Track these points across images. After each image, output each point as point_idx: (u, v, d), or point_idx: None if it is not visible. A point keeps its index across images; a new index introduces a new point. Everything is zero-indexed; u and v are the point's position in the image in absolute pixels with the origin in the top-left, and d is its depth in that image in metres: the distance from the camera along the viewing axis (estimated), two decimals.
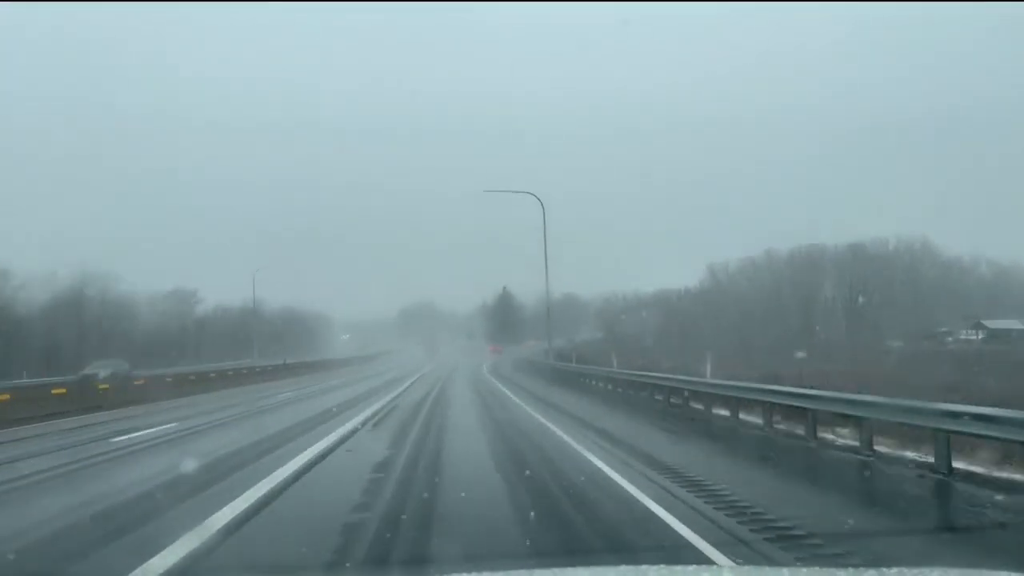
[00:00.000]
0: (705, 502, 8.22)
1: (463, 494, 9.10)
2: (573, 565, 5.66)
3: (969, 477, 9.57)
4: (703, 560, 5.79)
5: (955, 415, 9.69)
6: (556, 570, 3.51)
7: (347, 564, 6.06)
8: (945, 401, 10.83)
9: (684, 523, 7.17)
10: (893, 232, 68.67)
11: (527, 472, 10.52)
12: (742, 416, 16.41)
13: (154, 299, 59.85)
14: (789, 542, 6.41)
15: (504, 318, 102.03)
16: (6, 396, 22.92)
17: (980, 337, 58.87)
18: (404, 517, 7.67)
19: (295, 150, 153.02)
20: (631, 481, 9.49)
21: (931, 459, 10.18)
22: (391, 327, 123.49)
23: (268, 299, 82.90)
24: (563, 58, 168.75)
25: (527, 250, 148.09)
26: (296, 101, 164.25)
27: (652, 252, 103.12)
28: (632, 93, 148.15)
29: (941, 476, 9.60)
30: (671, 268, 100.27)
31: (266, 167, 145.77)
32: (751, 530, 6.91)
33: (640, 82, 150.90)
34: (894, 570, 2.54)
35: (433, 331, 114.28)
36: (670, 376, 23.19)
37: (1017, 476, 9.59)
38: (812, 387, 15.39)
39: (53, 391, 25.66)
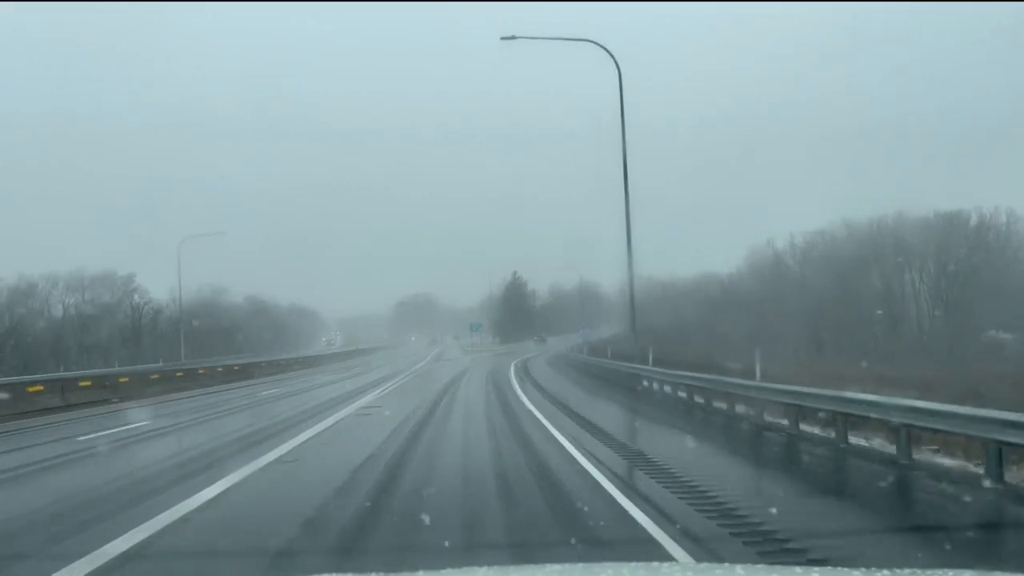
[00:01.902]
0: None
1: None
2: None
3: None
4: None
5: None
6: (557, 566, 3.15)
7: None
8: None
9: None
10: (974, 205, 56.51)
11: None
12: None
13: (73, 284, 48.60)
14: None
15: (514, 308, 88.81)
16: None
17: None
18: None
19: (284, 148, 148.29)
20: None
21: None
22: (387, 322, 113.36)
23: (250, 293, 72.01)
24: (568, 55, 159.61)
25: (533, 238, 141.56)
26: (286, 100, 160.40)
27: (690, 232, 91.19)
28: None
29: None
30: (715, 248, 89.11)
31: (255, 165, 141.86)
32: None
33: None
34: (907, 571, 2.48)
35: (432, 325, 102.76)
36: None
37: None
38: None
39: None
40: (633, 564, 2.82)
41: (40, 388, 24.12)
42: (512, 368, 42.14)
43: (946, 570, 2.62)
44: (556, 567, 3.08)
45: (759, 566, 4.31)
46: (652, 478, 10.04)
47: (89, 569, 6.34)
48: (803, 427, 14.26)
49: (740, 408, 16.98)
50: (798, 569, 3.00)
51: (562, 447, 13.01)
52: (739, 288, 64.14)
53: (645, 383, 25.48)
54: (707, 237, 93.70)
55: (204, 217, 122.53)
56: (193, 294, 63.92)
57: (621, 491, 9.10)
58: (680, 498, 8.64)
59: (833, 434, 12.90)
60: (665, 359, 37.58)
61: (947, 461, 10.87)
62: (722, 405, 17.99)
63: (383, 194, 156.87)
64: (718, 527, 7.28)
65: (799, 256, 56.90)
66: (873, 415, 11.81)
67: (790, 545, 6.56)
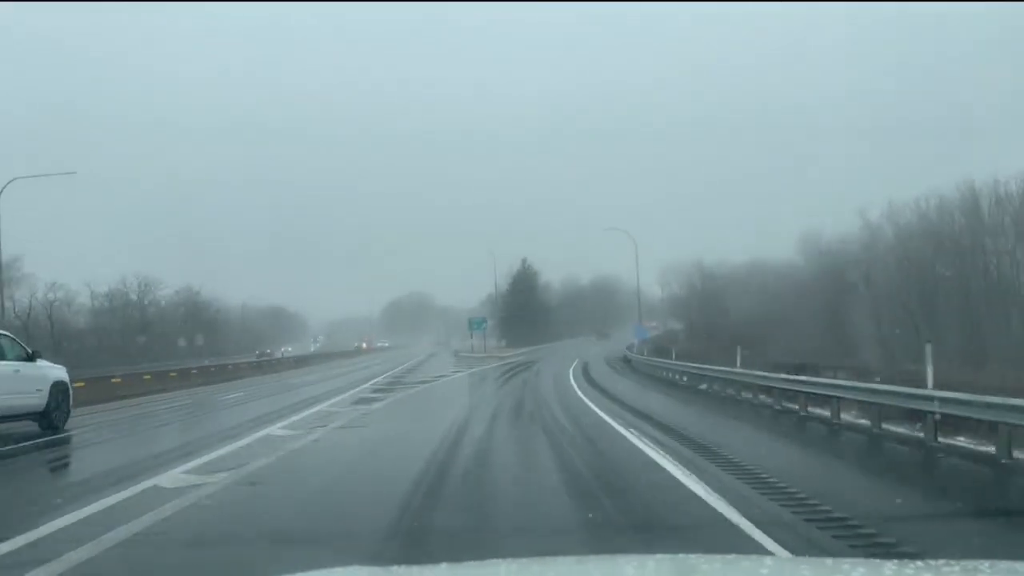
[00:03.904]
0: None
1: None
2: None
3: None
4: None
5: None
6: (606, 556, 3.35)
7: None
8: None
9: None
10: None
11: None
12: None
13: None
14: None
15: (524, 304, 74.74)
16: None
17: None
18: None
19: (272, 147, 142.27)
20: None
21: None
22: (377, 324, 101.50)
23: (183, 287, 59.97)
24: (572, 52, 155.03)
25: (540, 234, 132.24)
26: (276, 100, 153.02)
27: (726, 218, 79.76)
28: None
29: None
30: (754, 233, 77.86)
31: (241, 165, 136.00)
32: None
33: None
34: (941, 561, 2.40)
35: (429, 326, 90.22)
36: None
37: None
38: None
39: None
40: (659, 556, 2.86)
41: None
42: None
43: (981, 560, 2.41)
44: (572, 559, 3.12)
45: (786, 559, 4.63)
46: None
47: None
48: None
49: None
50: (829, 561, 3.08)
51: None
52: (806, 275, 52.32)
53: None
54: (750, 223, 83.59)
55: (194, 215, 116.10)
56: (114, 286, 52.20)
57: None
58: None
59: None
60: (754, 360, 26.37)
61: None
62: None
63: (379, 191, 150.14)
64: None
65: (899, 231, 44.13)
66: None
67: None
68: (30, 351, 15.80)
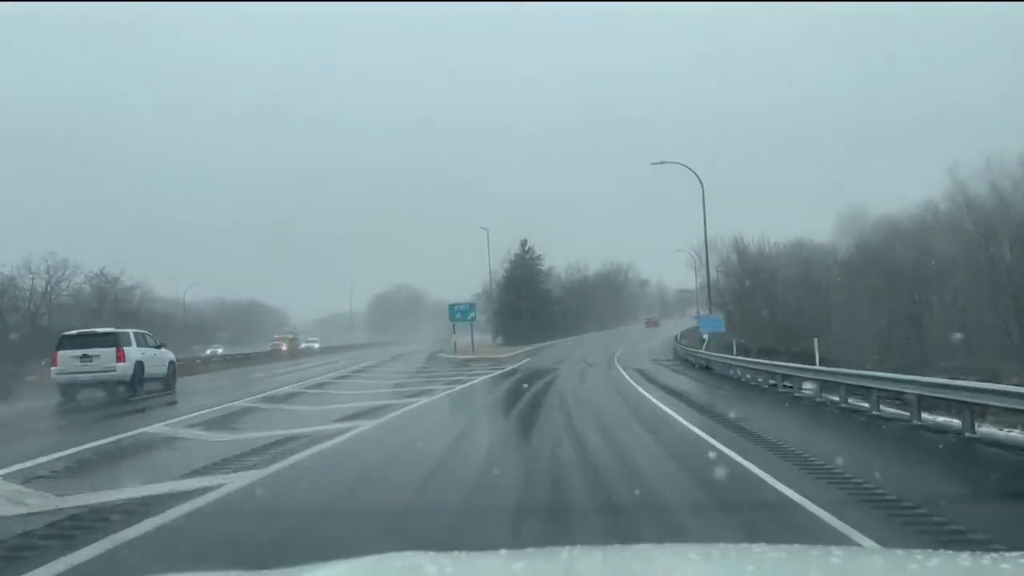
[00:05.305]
0: None
1: None
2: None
3: None
4: None
5: None
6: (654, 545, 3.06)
7: None
8: None
9: None
10: None
11: None
12: None
13: None
14: None
15: (524, 292, 65.29)
16: None
17: None
18: None
19: (263, 142, 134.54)
20: None
21: None
22: (362, 321, 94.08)
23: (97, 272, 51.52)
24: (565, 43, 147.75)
25: (548, 214, 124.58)
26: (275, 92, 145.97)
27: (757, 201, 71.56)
28: None
29: None
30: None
31: (232, 159, 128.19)
32: None
33: None
34: (1016, 552, 2.40)
35: (419, 322, 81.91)
36: None
37: None
38: None
39: None
40: (722, 545, 2.82)
41: None
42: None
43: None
44: (636, 546, 2.98)
45: (858, 548, 4.67)
46: None
47: None
48: None
49: None
50: (900, 551, 3.02)
51: None
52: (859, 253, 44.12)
53: None
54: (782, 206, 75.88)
55: (179, 208, 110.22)
56: (15, 271, 44.06)
57: None
58: None
59: None
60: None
61: None
62: None
63: (373, 183, 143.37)
64: None
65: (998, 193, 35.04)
66: None
67: None
68: (158, 342, 25.26)
